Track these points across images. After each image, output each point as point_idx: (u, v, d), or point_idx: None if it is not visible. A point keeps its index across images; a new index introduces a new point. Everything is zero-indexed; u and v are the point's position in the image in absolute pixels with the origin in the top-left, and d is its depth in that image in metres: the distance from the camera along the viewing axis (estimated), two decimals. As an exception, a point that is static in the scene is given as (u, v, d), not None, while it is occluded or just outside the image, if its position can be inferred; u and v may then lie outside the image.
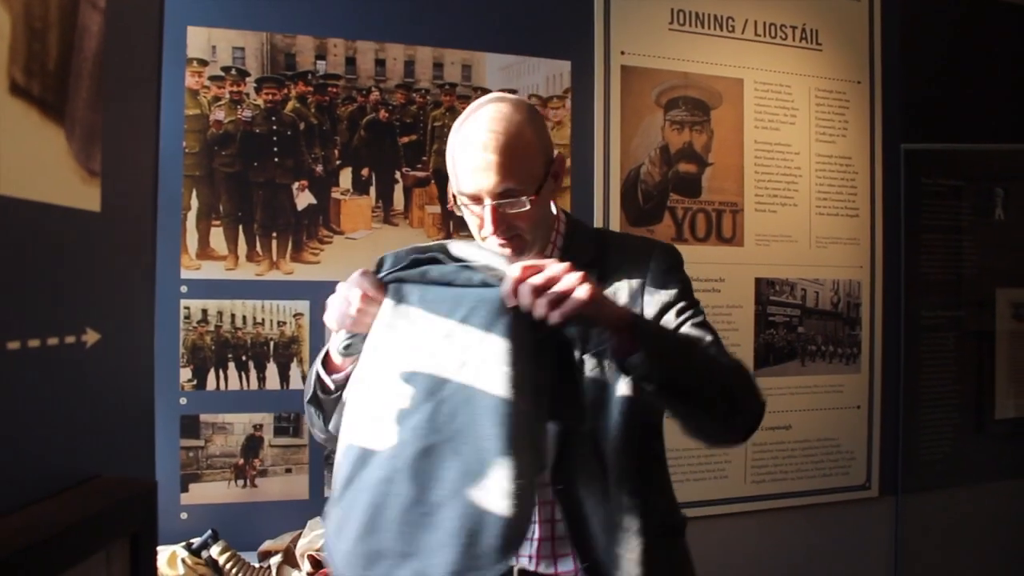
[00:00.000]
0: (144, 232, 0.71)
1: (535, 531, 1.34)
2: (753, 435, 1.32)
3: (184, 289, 2.04)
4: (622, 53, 2.42)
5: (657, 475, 1.41)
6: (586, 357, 1.29)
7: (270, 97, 2.10)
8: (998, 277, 2.96)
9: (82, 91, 0.62)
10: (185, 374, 2.04)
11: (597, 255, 1.36)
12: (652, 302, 1.33)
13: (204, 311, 2.05)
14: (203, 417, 2.06)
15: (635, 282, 1.33)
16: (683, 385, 1.20)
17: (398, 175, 2.21)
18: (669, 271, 1.36)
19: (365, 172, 2.18)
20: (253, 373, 2.09)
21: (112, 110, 0.65)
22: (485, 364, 1.06)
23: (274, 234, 2.11)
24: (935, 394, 2.88)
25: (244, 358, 2.08)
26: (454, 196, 1.34)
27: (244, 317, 2.08)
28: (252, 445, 2.09)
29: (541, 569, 1.34)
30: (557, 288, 1.06)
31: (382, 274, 1.18)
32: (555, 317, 1.05)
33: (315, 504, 2.11)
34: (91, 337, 0.63)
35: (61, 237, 0.60)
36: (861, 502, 2.76)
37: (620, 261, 1.37)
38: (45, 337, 0.57)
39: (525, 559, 1.34)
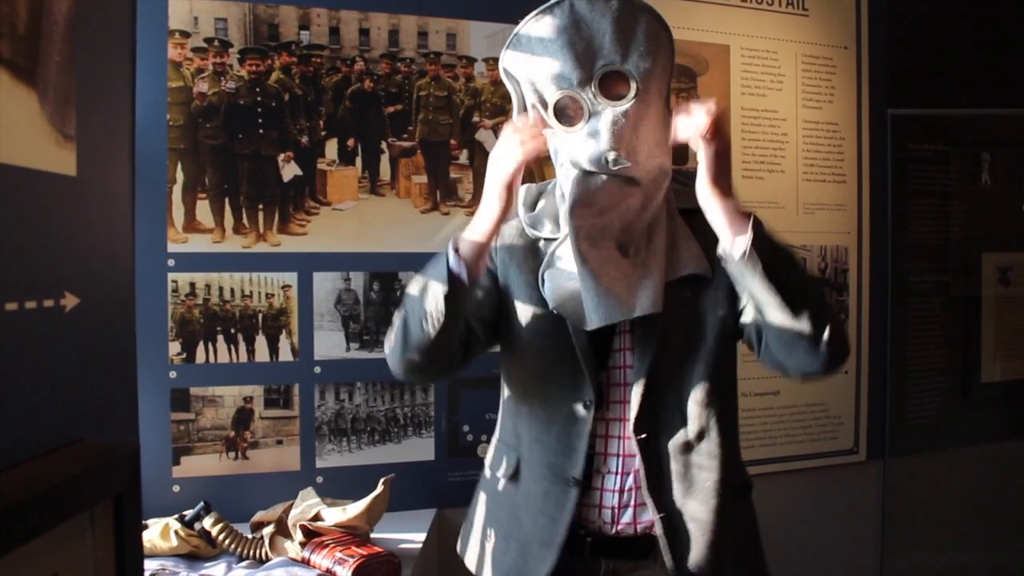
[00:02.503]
0: (122, 196, 0.71)
1: (617, 482, 1.41)
2: (837, 371, 1.36)
3: (171, 263, 2.04)
4: (608, 20, 2.40)
5: (732, 433, 1.48)
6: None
7: (254, 68, 2.09)
8: (984, 241, 2.97)
9: (54, 54, 0.61)
10: (174, 347, 2.04)
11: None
12: None
13: (192, 284, 2.05)
14: (193, 390, 2.06)
15: None
16: (785, 279, 1.27)
17: (384, 145, 2.20)
18: None
19: (351, 143, 2.17)
20: (242, 345, 2.09)
21: (86, 74, 0.65)
22: None
23: (260, 206, 2.10)
24: (922, 358, 2.90)
25: (233, 331, 2.09)
26: None
27: (232, 290, 2.08)
28: (243, 417, 2.10)
29: (623, 520, 1.41)
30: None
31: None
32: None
33: (306, 475, 2.13)
34: (70, 301, 0.63)
35: (37, 201, 0.60)
36: (849, 466, 2.79)
37: None
38: (23, 300, 0.58)
39: (608, 511, 1.41)
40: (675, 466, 1.40)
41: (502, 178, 1.32)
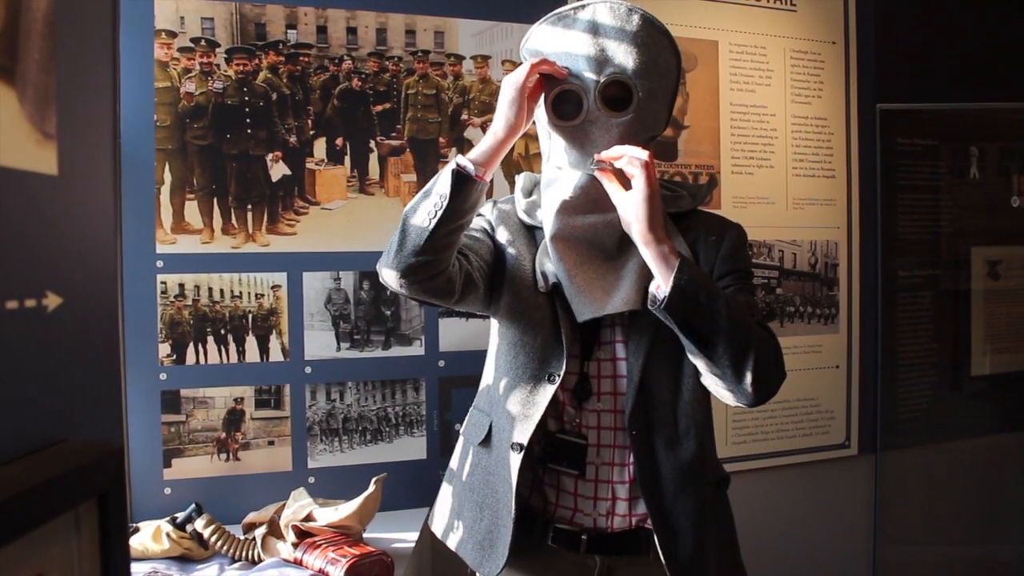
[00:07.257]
0: (104, 195, 0.70)
1: (612, 473, 1.44)
2: (766, 402, 1.39)
3: (160, 264, 2.03)
4: (596, 17, 2.40)
5: (712, 428, 1.51)
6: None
7: (241, 68, 2.08)
8: (973, 236, 2.98)
9: (33, 51, 0.61)
10: (164, 349, 2.03)
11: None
12: (720, 263, 1.46)
13: (181, 285, 2.04)
14: (184, 392, 2.05)
15: (712, 239, 1.48)
16: (702, 328, 1.29)
17: (372, 144, 2.19)
18: (742, 246, 1.50)
19: (339, 142, 2.16)
20: (232, 347, 2.09)
21: (66, 71, 0.64)
22: None
23: (249, 206, 2.09)
24: (912, 353, 2.91)
25: (223, 331, 2.08)
26: None
27: (221, 290, 2.08)
28: (234, 419, 2.09)
29: (619, 512, 1.44)
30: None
31: None
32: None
33: (298, 475, 2.12)
34: (52, 301, 0.62)
35: (17, 200, 0.59)
36: (841, 460, 2.80)
37: (709, 220, 1.54)
38: (4, 301, 0.57)
39: (604, 503, 1.43)
40: (667, 462, 1.41)
41: (512, 95, 1.33)
